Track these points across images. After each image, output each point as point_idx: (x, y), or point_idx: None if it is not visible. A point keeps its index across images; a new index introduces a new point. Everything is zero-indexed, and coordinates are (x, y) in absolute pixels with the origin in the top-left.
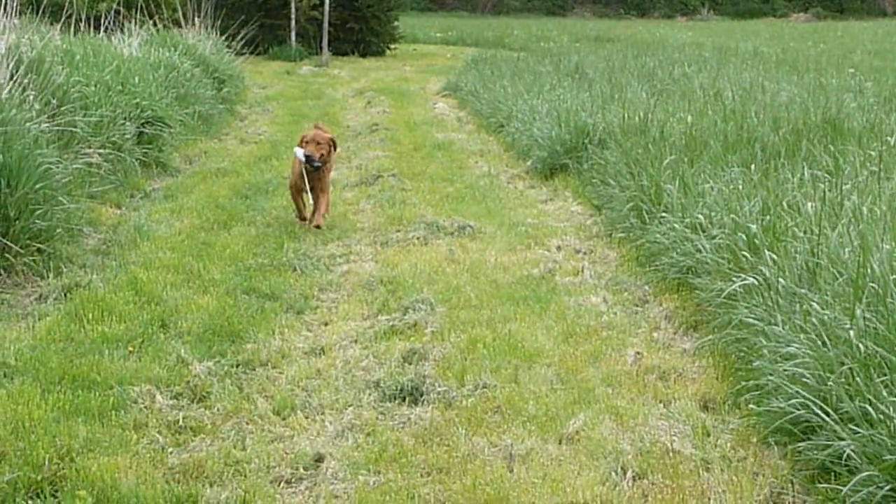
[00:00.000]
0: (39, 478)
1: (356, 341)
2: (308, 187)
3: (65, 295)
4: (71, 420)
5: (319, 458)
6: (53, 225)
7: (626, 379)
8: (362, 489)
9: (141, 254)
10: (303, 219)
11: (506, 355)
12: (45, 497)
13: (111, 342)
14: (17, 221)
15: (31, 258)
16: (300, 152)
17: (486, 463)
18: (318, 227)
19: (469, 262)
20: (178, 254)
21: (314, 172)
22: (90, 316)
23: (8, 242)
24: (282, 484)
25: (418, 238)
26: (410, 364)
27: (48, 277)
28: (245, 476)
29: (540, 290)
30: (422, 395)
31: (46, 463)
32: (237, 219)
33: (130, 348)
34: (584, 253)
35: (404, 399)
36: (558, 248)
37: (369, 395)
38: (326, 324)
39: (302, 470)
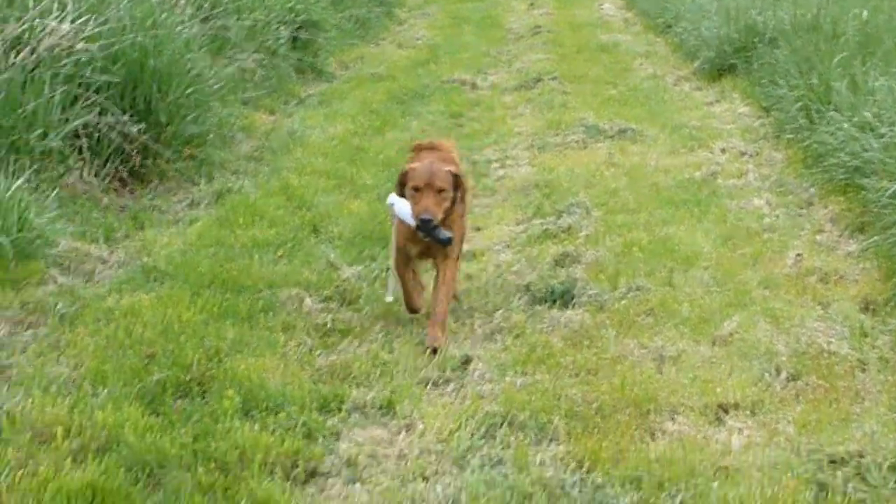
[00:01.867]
0: (188, 378)
1: (509, 246)
2: (420, 255)
3: (216, 200)
4: (220, 322)
5: (467, 360)
6: (206, 130)
7: (785, 281)
8: (509, 389)
9: (293, 159)
10: (414, 309)
11: (661, 258)
12: (193, 396)
13: (261, 247)
14: (169, 126)
15: (183, 164)
16: (402, 208)
17: (635, 364)
18: (434, 345)
19: (628, 165)
20: (330, 159)
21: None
22: (241, 221)
23: (160, 147)
24: (429, 385)
25: (577, 142)
26: (562, 267)
27: (200, 183)
28: (392, 377)
29: (701, 194)
30: (573, 299)
31: (195, 364)
32: (392, 124)
33: (280, 253)
34: (750, 155)
35: (555, 302)
36: (722, 150)
37: (520, 298)
38: (479, 229)
39: (449, 371)
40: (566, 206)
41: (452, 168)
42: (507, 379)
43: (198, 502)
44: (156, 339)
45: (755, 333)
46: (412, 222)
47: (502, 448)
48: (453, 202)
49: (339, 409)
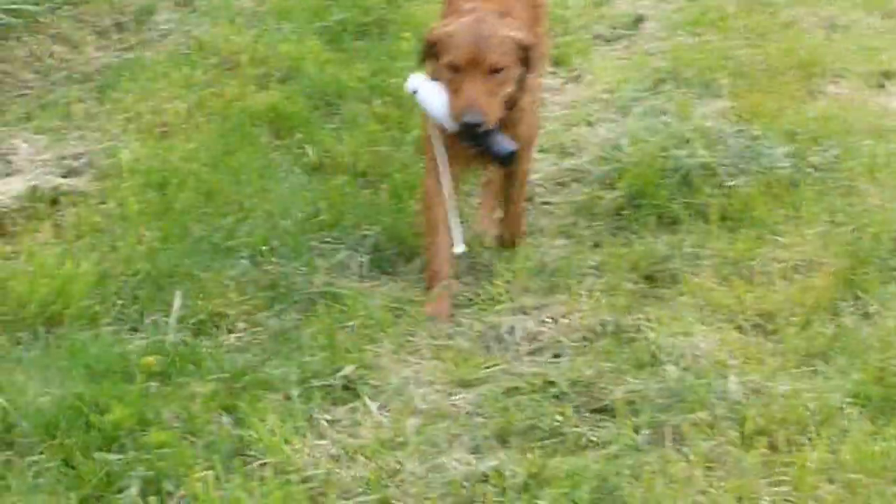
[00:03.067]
0: (367, 20)
1: None
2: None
3: None
4: None
5: (640, 19)
6: None
7: None
8: (678, 48)
9: None
10: (437, 275)
11: None
12: (372, 37)
13: None
14: None
15: None
16: (431, 97)
17: (805, 31)
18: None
19: None
20: None
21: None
22: None
23: None
24: (600, 41)
25: None
26: None
27: None
28: (566, 34)
29: None
30: None
31: (374, 6)
32: None
33: None
34: None
35: None
36: None
37: None
38: None
39: (621, 30)
40: None
41: (515, 30)
42: (678, 38)
43: (373, 129)
44: None
45: None
46: (449, 124)
47: (666, 100)
48: (520, 84)
49: None
